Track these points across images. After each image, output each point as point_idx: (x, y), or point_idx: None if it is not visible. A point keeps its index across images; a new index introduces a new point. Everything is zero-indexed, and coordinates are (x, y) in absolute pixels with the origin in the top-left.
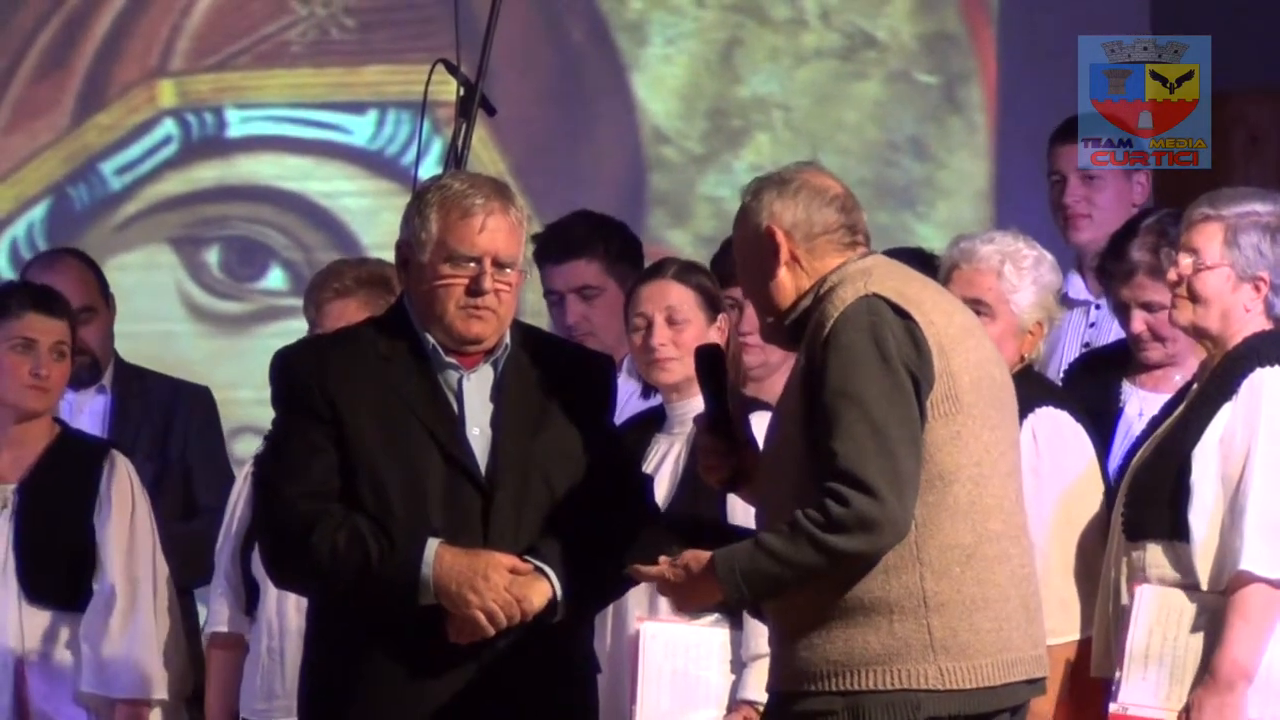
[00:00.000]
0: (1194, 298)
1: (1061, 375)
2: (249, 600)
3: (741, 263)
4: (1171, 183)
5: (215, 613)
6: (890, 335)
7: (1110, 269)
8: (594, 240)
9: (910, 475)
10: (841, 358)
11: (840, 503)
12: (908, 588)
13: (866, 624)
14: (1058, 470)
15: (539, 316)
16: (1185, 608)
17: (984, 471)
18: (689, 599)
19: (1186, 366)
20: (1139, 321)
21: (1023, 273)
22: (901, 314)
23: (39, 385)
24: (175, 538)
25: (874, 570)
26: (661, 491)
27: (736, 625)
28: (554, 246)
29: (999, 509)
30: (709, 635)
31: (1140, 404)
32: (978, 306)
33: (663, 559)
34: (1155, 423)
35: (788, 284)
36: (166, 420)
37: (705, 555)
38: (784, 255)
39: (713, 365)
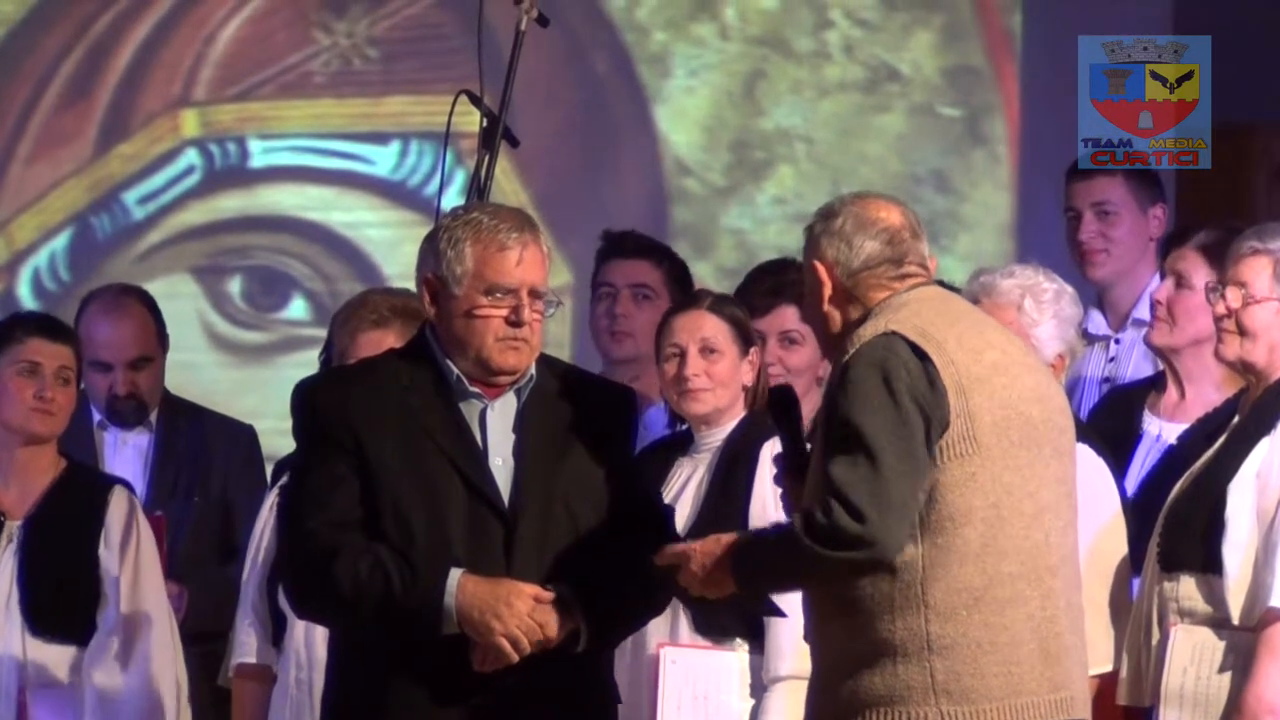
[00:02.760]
0: (1242, 331)
1: (1087, 413)
2: (276, 631)
3: (805, 289)
4: (1193, 216)
5: (242, 644)
6: (903, 373)
7: (1177, 236)
8: (663, 252)
9: (900, 501)
10: (850, 393)
11: (825, 513)
12: (912, 630)
13: (873, 666)
14: (1083, 504)
15: (559, 348)
16: (1217, 646)
17: (1001, 513)
18: (707, 577)
19: (1206, 398)
20: (1163, 289)
21: (1043, 306)
22: (918, 353)
23: (43, 408)
24: (211, 579)
25: (881, 612)
26: (683, 514)
27: (756, 650)
28: (626, 243)
29: (1016, 551)
30: (729, 660)
31: (1160, 429)
32: None
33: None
34: (1173, 450)
35: (835, 316)
36: (208, 458)
37: (731, 535)
38: (827, 291)
39: (787, 406)
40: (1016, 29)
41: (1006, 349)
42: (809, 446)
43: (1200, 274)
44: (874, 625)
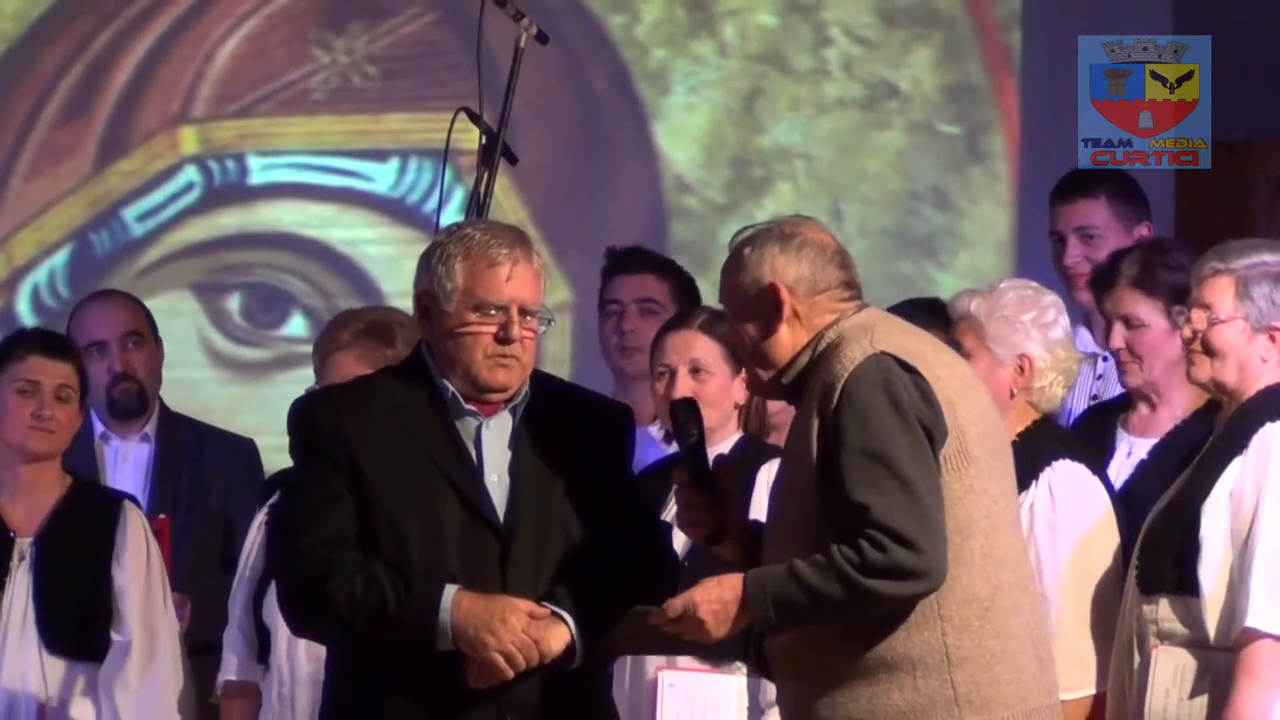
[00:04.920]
0: (1210, 352)
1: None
2: (261, 648)
3: (736, 313)
4: (1192, 233)
5: (227, 661)
6: (903, 391)
7: (1101, 280)
8: (669, 266)
9: (940, 525)
10: (859, 416)
11: (877, 549)
12: (929, 643)
13: (890, 681)
14: (1074, 524)
15: (559, 365)
16: (1198, 667)
17: (994, 524)
18: (717, 622)
19: (1174, 406)
20: (1118, 337)
21: (998, 314)
22: (910, 370)
23: (41, 426)
24: (210, 591)
25: (895, 628)
26: (682, 537)
27: (754, 672)
28: (631, 259)
29: (1009, 560)
30: (727, 683)
31: (1129, 446)
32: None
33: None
34: (1143, 466)
35: (786, 340)
36: (208, 471)
37: (736, 576)
38: (786, 312)
39: (689, 419)
40: (1016, 45)
41: (965, 364)
42: (711, 460)
43: (1142, 307)
44: (887, 641)
